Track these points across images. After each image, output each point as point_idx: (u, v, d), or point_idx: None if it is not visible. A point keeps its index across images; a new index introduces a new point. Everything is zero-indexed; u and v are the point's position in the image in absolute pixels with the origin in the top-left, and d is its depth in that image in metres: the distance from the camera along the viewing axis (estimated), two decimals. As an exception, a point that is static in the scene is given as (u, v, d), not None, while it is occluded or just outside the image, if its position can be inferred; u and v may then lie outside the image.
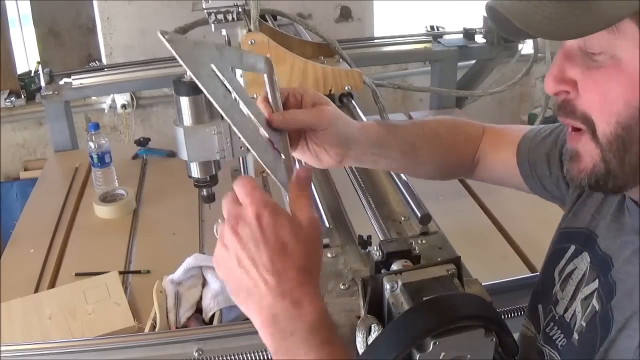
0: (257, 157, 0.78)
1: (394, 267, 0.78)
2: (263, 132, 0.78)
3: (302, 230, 0.67)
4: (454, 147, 1.00)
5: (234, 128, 0.76)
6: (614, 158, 0.62)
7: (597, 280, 0.73)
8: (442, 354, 0.67)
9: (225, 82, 0.76)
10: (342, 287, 0.86)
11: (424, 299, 0.70)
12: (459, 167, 1.03)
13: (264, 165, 0.78)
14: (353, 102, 1.41)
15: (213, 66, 0.74)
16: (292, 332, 0.64)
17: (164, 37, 0.70)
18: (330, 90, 1.37)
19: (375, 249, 0.81)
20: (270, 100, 0.80)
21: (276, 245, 0.65)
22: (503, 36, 2.23)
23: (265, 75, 0.80)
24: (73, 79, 2.18)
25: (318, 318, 0.65)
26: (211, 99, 0.75)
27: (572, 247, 0.81)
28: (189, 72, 0.73)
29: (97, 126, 1.85)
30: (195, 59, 0.73)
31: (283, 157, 0.79)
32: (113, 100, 2.87)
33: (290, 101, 0.83)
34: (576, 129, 0.65)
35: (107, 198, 1.82)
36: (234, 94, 0.78)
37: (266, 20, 1.70)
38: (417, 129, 0.97)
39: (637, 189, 0.66)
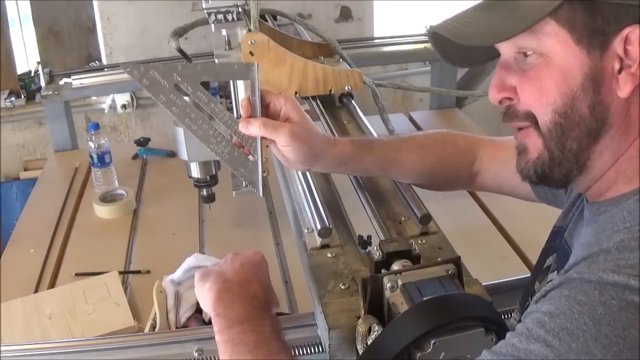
0: (223, 163, 0.91)
1: (394, 267, 0.78)
2: (233, 135, 0.89)
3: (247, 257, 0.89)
4: (443, 159, 1.04)
5: (199, 140, 0.89)
6: (556, 145, 0.68)
7: (555, 272, 0.80)
8: (442, 354, 0.67)
9: (186, 98, 0.88)
10: (342, 287, 0.86)
11: (424, 299, 0.71)
12: (453, 178, 1.07)
13: (231, 169, 0.91)
14: (353, 102, 1.41)
15: (179, 84, 0.86)
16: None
17: (125, 70, 0.85)
18: (330, 90, 1.37)
19: (375, 249, 0.81)
20: (251, 104, 0.88)
21: (247, 263, 0.88)
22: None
23: (249, 81, 0.88)
24: (73, 79, 2.18)
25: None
26: (175, 117, 0.88)
27: (555, 244, 0.85)
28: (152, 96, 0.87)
29: (97, 126, 1.84)
30: (155, 85, 0.86)
31: (252, 158, 0.90)
32: (113, 100, 2.87)
33: (271, 109, 0.90)
34: (522, 128, 0.71)
35: (107, 198, 1.82)
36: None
37: (266, 20, 1.70)
38: (399, 143, 1.02)
39: (583, 180, 0.70)
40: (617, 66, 0.63)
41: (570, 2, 0.62)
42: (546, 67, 0.65)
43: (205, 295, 0.84)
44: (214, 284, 0.83)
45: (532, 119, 0.69)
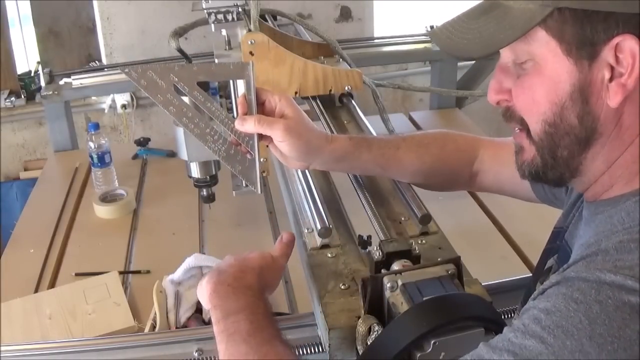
0: (223, 163, 0.92)
1: (394, 267, 0.78)
2: (230, 133, 0.90)
3: (269, 256, 0.90)
4: (442, 157, 1.04)
5: (196, 138, 0.90)
6: (547, 153, 0.69)
7: (557, 273, 0.78)
8: (442, 354, 0.67)
9: (184, 99, 0.89)
10: (342, 287, 0.86)
11: (424, 299, 0.71)
12: (452, 177, 1.07)
13: (229, 167, 0.93)
14: (353, 102, 1.41)
15: (176, 85, 0.88)
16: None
17: (123, 71, 0.87)
18: (330, 90, 1.37)
19: (375, 249, 0.81)
20: (247, 102, 0.90)
21: (241, 257, 0.88)
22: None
23: (245, 80, 0.90)
24: (73, 79, 2.18)
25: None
26: (172, 117, 0.89)
27: (556, 245, 0.85)
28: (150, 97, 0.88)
29: (97, 126, 1.85)
30: (153, 85, 0.87)
31: (250, 156, 0.91)
32: (113, 100, 2.87)
33: (266, 106, 0.92)
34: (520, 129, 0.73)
35: (107, 198, 1.82)
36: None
37: (266, 20, 1.70)
38: (398, 141, 1.02)
39: (578, 182, 0.72)
40: (607, 75, 0.63)
41: (561, 11, 0.62)
42: (538, 76, 0.66)
43: (203, 291, 0.85)
44: (210, 278, 0.85)
45: (524, 124, 0.70)
